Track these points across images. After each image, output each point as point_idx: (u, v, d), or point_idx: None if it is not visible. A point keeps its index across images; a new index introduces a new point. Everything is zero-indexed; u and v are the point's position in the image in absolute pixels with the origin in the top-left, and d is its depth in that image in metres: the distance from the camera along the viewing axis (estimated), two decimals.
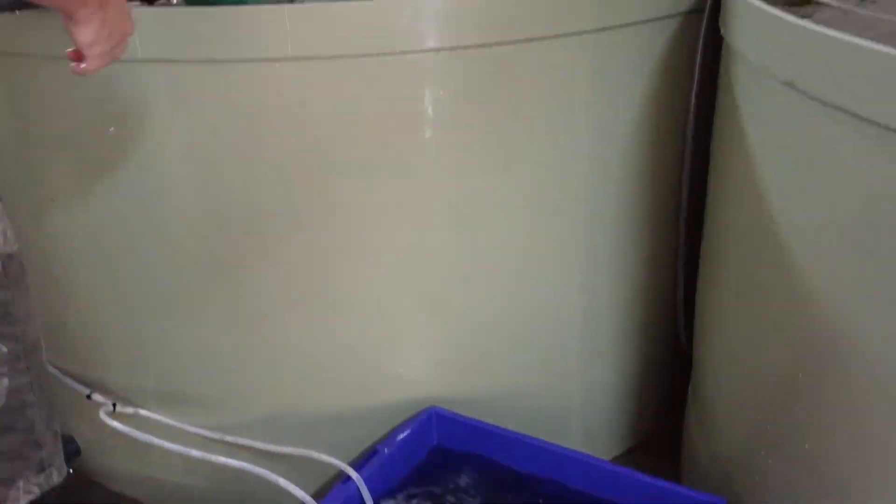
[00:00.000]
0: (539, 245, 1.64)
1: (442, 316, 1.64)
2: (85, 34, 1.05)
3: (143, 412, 1.72)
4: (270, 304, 1.59)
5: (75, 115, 1.51)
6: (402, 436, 1.60)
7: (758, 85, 1.28)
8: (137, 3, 1.44)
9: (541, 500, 1.54)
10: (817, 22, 1.43)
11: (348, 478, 1.50)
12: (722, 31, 1.44)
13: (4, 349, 0.96)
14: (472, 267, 1.61)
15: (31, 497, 1.10)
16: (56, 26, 1.12)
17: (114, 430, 1.67)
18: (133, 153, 1.50)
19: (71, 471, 1.38)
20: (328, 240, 1.53)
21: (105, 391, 1.74)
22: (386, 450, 1.57)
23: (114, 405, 1.70)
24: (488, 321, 1.66)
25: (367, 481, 1.49)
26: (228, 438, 1.68)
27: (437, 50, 1.43)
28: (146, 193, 1.53)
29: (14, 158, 1.63)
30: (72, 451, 1.78)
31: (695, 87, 1.66)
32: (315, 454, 1.61)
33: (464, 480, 1.59)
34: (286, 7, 1.37)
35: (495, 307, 1.65)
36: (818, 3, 1.54)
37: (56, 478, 1.17)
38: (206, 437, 1.69)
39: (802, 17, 1.46)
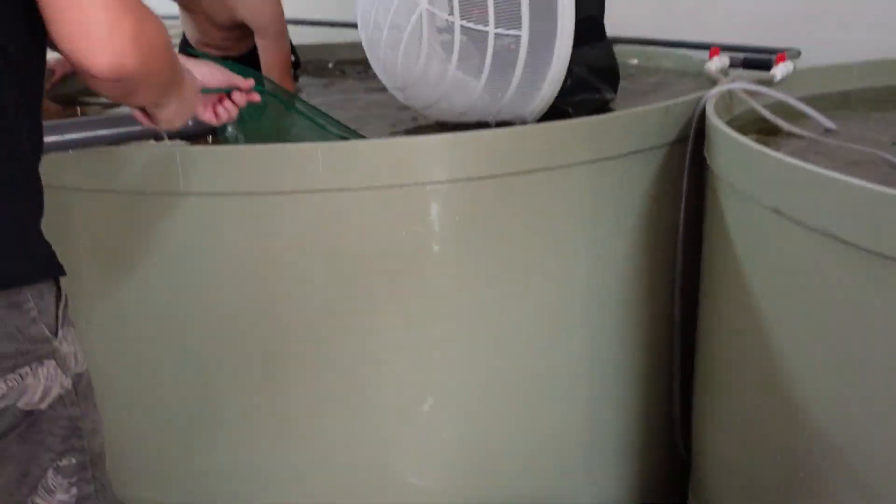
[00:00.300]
0: (543, 357, 1.76)
1: (455, 426, 1.74)
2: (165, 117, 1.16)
3: None
4: (296, 419, 1.69)
5: (118, 240, 1.63)
6: None
7: (744, 209, 1.44)
8: (179, 142, 1.59)
9: None
10: (789, 151, 1.62)
11: None
12: (708, 160, 1.61)
13: (74, 460, 1.04)
14: (482, 376, 1.72)
15: None
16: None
17: None
18: (171, 277, 1.62)
19: None
20: (353, 353, 1.65)
21: None
22: None
23: None
24: (499, 430, 1.76)
25: None
26: None
27: (449, 181, 1.58)
28: (181, 314, 1.64)
29: None
30: None
31: (682, 206, 1.81)
32: None
33: None
34: (319, 145, 1.52)
35: (505, 414, 1.75)
36: (789, 134, 1.74)
37: None
38: None
39: (775, 146, 1.65)
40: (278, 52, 2.40)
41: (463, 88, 1.71)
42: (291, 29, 2.75)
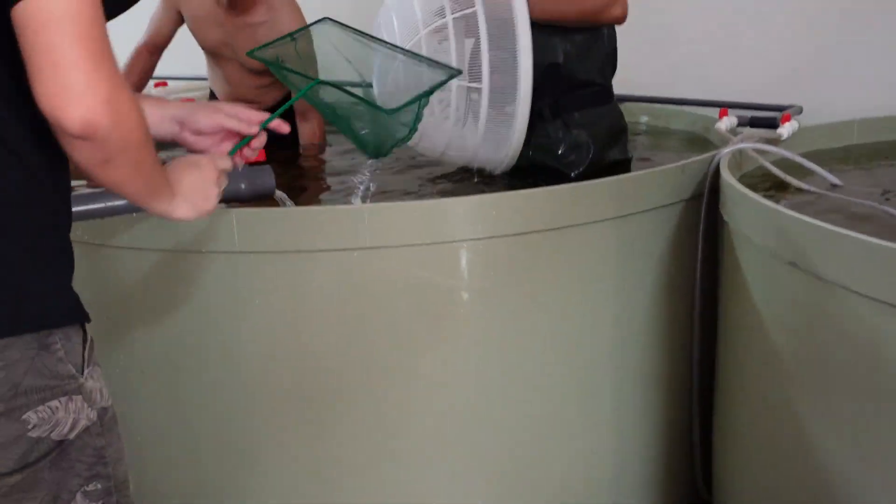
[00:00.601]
0: (572, 401, 1.86)
1: (489, 463, 1.83)
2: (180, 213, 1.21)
3: None
4: (334, 466, 1.78)
5: (173, 293, 1.74)
6: None
7: (761, 262, 1.56)
8: (224, 206, 1.70)
9: None
10: (798, 204, 1.75)
11: None
12: (724, 216, 1.73)
13: (100, 486, 1.14)
14: (514, 418, 1.81)
15: None
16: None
17: None
18: (221, 329, 1.72)
19: None
20: (394, 397, 1.75)
21: None
22: None
23: None
24: (532, 466, 1.85)
25: None
26: None
27: (482, 238, 1.70)
28: (231, 363, 1.74)
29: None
30: None
31: (699, 258, 1.93)
32: None
33: None
34: (365, 207, 1.65)
35: (538, 452, 1.85)
36: (798, 189, 1.86)
37: None
38: None
39: (786, 201, 1.77)
40: None
41: (438, 131, 1.90)
42: None
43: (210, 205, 1.27)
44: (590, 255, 1.79)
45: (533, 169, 2.03)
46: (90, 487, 1.11)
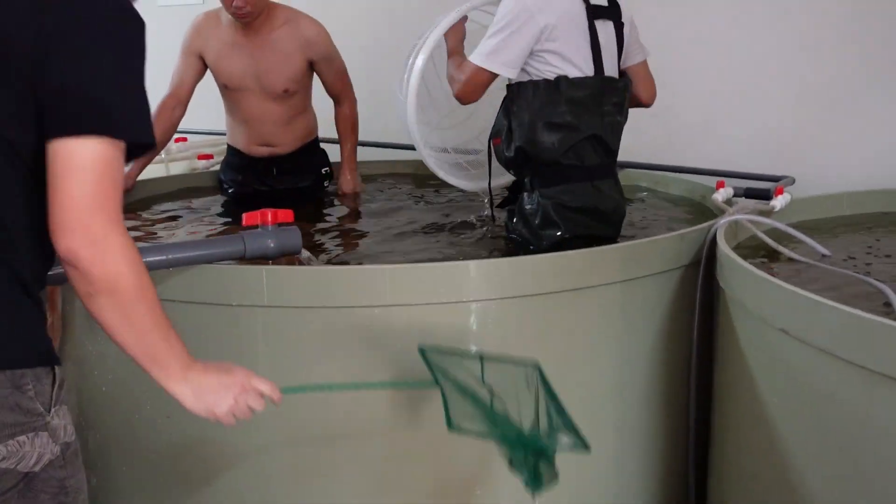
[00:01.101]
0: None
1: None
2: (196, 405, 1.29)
3: None
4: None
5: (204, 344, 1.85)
6: None
7: (755, 327, 1.68)
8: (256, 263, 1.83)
9: None
10: (790, 272, 1.87)
11: None
12: (721, 283, 1.86)
13: None
14: None
15: None
16: None
17: None
18: None
19: None
20: (411, 443, 1.85)
21: None
22: None
23: None
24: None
25: None
26: None
27: (493, 299, 1.82)
28: None
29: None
30: None
31: (696, 320, 2.05)
32: None
33: None
34: (387, 267, 1.77)
35: None
36: (789, 259, 1.99)
37: None
38: None
39: (778, 269, 1.90)
40: (342, 79, 2.90)
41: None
42: (325, 146, 3.07)
43: (219, 411, 1.31)
44: (596, 316, 1.91)
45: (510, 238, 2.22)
46: None
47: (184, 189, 3.06)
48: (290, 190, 2.89)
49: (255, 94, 2.80)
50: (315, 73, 2.86)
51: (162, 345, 1.24)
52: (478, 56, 2.05)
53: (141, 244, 2.02)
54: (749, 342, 1.71)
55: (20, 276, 1.16)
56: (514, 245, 2.20)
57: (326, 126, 3.06)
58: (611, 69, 2.13)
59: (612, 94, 2.11)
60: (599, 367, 1.94)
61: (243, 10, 2.63)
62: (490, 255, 2.20)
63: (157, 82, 4.36)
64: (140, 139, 1.18)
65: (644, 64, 2.30)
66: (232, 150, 2.97)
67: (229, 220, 2.59)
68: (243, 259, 1.81)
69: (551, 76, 2.05)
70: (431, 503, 1.89)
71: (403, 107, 2.37)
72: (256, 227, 1.83)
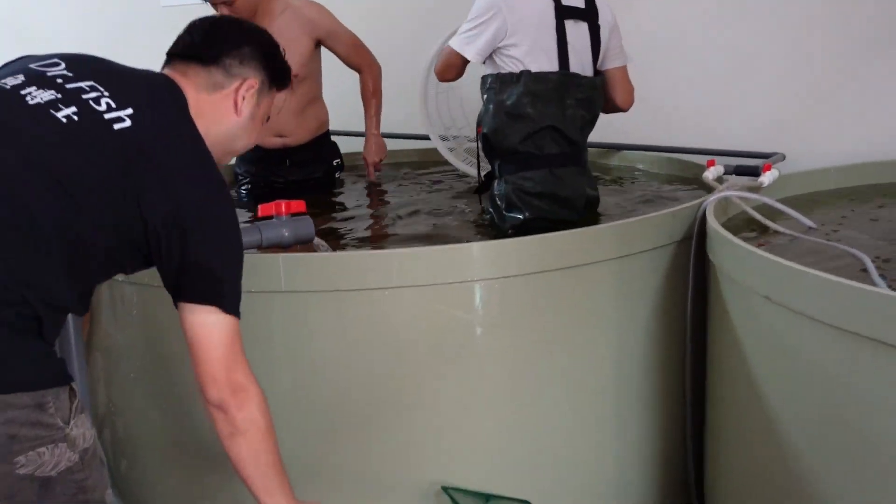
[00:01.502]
0: (578, 423, 2.08)
1: (501, 483, 2.04)
2: None
3: None
4: (363, 482, 1.99)
5: None
6: None
7: (741, 296, 1.79)
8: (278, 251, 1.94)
9: None
10: (777, 245, 1.98)
11: None
12: (710, 257, 1.97)
13: None
14: (523, 441, 2.03)
15: None
16: None
17: None
18: (268, 362, 1.95)
19: None
20: (417, 417, 1.97)
21: None
22: None
23: None
24: (541, 477, 2.06)
25: None
26: None
27: (496, 278, 1.93)
28: (277, 389, 1.96)
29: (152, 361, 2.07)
30: None
31: (690, 293, 2.15)
32: None
33: None
34: (395, 251, 1.88)
35: (546, 467, 2.06)
36: (775, 232, 2.09)
37: None
38: None
39: (765, 242, 2.00)
40: (356, 50, 2.98)
41: None
42: (336, 138, 3.17)
43: None
44: (594, 292, 2.02)
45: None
46: None
47: None
48: (303, 181, 3.00)
49: None
50: (334, 54, 2.96)
51: (277, 480, 1.50)
52: (454, 41, 2.29)
53: None
54: (737, 311, 1.82)
55: (36, 317, 1.33)
56: (487, 227, 2.37)
57: (337, 118, 3.16)
58: (580, 67, 2.26)
59: (576, 90, 2.25)
60: (600, 340, 2.05)
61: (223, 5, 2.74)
62: (476, 237, 2.33)
63: None
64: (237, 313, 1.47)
65: (623, 69, 2.43)
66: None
67: (246, 212, 2.70)
68: (260, 248, 1.92)
69: (516, 70, 2.22)
70: None
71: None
72: (271, 217, 1.94)
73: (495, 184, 2.33)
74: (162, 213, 1.39)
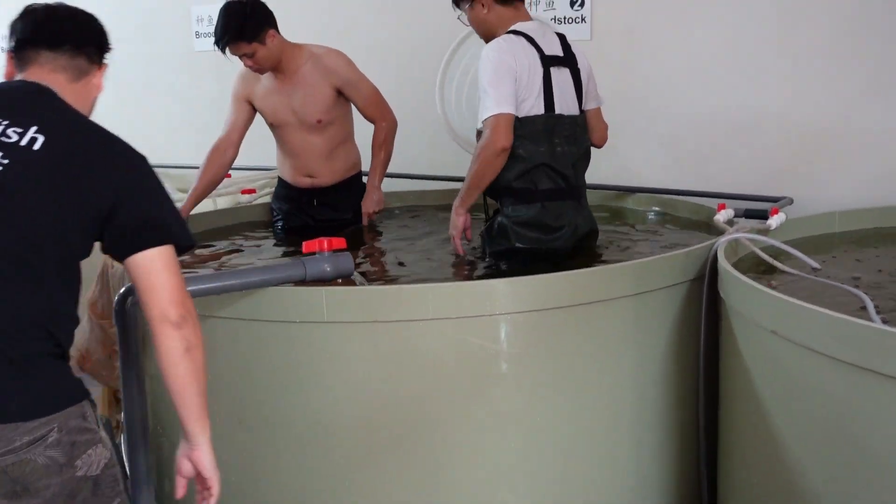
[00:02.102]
0: (595, 449, 2.21)
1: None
2: (210, 459, 1.68)
3: None
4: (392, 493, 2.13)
5: (270, 358, 2.12)
6: None
7: (751, 331, 1.94)
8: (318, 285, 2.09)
9: None
10: (784, 284, 2.12)
11: None
12: (721, 294, 2.11)
13: (118, 500, 1.69)
14: (548, 467, 2.16)
15: None
16: None
17: None
18: (309, 387, 2.10)
19: None
20: (443, 445, 2.10)
21: None
22: None
23: None
24: None
25: None
26: None
27: (518, 312, 2.07)
28: (318, 413, 2.11)
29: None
30: None
31: (703, 329, 2.30)
32: None
33: None
34: (429, 285, 2.04)
35: (566, 496, 2.19)
36: (782, 272, 2.24)
37: None
38: None
39: (774, 281, 2.15)
40: (372, 101, 3.14)
41: None
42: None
43: (214, 472, 1.70)
44: (613, 326, 2.16)
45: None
46: (116, 501, 1.68)
47: (239, 223, 3.37)
48: (332, 221, 3.17)
49: (294, 127, 3.11)
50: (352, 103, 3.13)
51: (205, 405, 1.67)
52: (489, 109, 2.38)
53: (217, 271, 2.30)
54: (747, 345, 1.97)
55: (59, 342, 1.60)
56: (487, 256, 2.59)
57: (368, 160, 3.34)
58: (565, 108, 2.49)
59: (562, 129, 2.47)
60: (618, 372, 2.19)
61: (254, 68, 3.01)
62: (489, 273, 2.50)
63: (195, 121, 4.71)
64: (186, 242, 1.68)
65: (597, 110, 2.68)
66: (281, 182, 3.29)
67: (285, 248, 2.86)
68: (303, 282, 2.08)
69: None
70: None
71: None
72: (314, 253, 2.10)
73: (495, 216, 2.55)
74: (108, 196, 1.59)
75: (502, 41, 2.45)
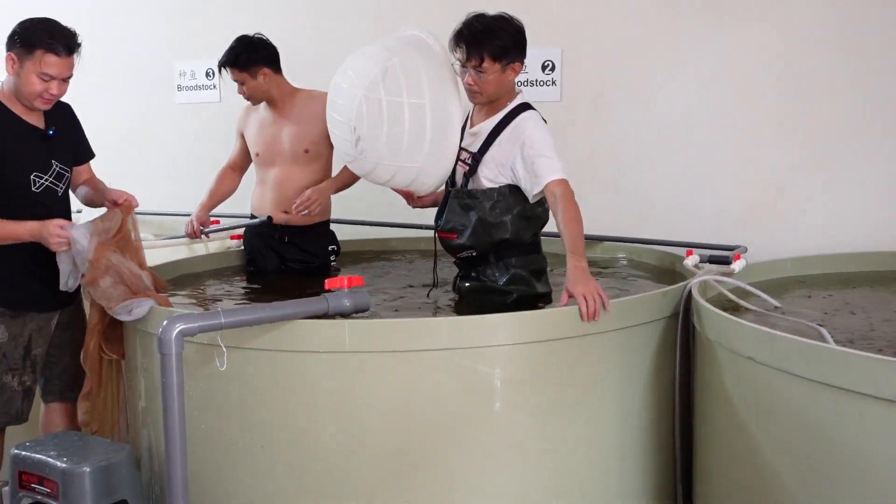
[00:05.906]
0: (582, 474, 2.44)
1: None
2: None
3: None
4: None
5: (295, 386, 2.31)
6: None
7: (728, 359, 2.21)
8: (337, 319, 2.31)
9: None
10: (749, 321, 2.40)
11: None
12: (697, 327, 2.39)
13: None
14: (538, 491, 2.39)
15: None
16: None
17: None
18: (335, 412, 2.29)
19: None
20: (444, 471, 2.31)
21: None
22: None
23: None
24: None
25: None
26: None
27: (514, 344, 2.31)
28: (337, 436, 2.30)
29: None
30: None
31: (678, 359, 2.57)
32: None
33: None
34: (441, 319, 2.27)
35: None
36: (747, 310, 2.53)
37: None
38: None
39: (740, 318, 2.43)
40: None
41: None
42: (335, 226, 3.59)
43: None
44: (599, 357, 2.42)
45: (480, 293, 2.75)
46: None
47: (230, 266, 3.60)
48: (299, 262, 3.45)
49: (281, 156, 3.38)
50: None
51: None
52: (559, 172, 2.54)
53: (246, 305, 2.49)
54: (723, 371, 2.24)
55: None
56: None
57: (338, 208, 3.58)
58: None
59: None
60: (603, 399, 2.44)
61: (244, 96, 3.36)
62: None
63: (182, 172, 4.94)
64: None
65: None
66: (253, 217, 3.54)
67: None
68: (325, 315, 2.29)
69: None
70: None
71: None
72: (335, 290, 2.32)
73: (488, 268, 2.72)
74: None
75: (538, 115, 2.67)
